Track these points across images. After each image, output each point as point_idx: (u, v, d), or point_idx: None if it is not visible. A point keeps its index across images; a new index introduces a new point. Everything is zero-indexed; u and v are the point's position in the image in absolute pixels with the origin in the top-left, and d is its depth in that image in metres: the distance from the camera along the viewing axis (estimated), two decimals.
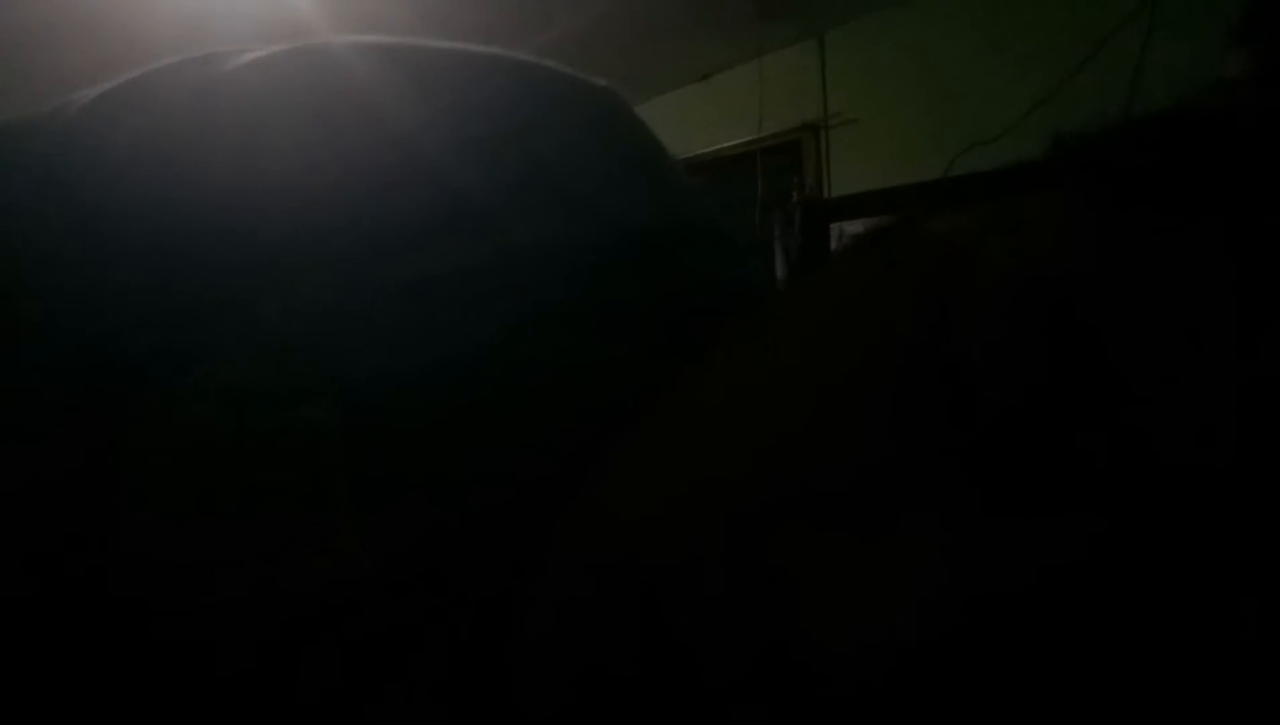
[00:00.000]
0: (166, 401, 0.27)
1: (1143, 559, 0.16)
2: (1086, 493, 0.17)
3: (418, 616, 0.25)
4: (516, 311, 0.28)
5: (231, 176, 0.29)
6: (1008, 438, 0.18)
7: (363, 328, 0.27)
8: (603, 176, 0.30)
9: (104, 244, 0.29)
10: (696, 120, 2.98)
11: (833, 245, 2.57)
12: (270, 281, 0.28)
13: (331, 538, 0.25)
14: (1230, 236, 0.18)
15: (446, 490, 0.26)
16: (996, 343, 0.18)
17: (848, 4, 2.46)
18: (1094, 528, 0.17)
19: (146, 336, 0.28)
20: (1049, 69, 2.04)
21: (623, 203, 0.30)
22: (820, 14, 2.54)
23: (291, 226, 0.28)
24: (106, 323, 0.28)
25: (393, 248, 0.27)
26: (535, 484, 0.26)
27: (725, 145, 2.96)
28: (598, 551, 0.22)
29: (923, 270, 0.21)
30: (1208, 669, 0.16)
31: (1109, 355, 0.17)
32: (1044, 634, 0.17)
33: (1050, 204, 0.21)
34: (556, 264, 0.28)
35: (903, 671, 0.16)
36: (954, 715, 0.17)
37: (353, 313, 0.27)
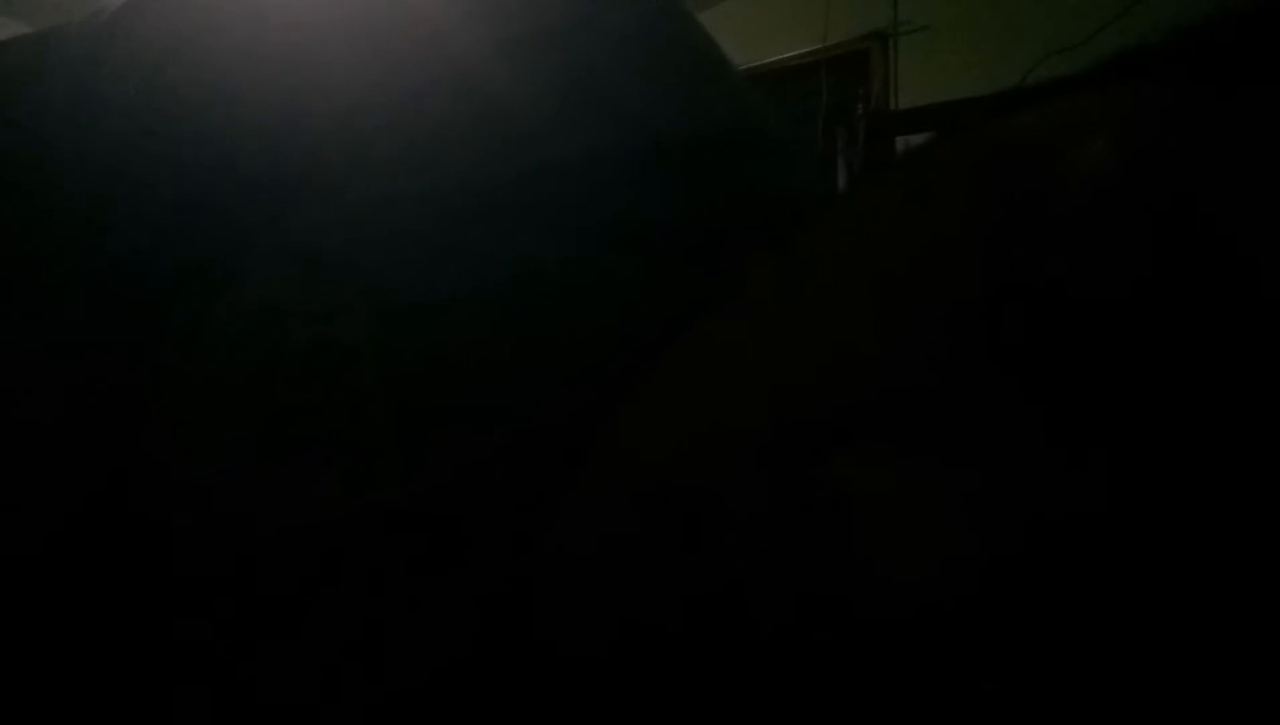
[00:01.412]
0: (200, 320, 0.26)
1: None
2: (1196, 426, 0.15)
3: (444, 550, 0.24)
4: (557, 227, 0.26)
5: (266, 82, 0.28)
6: (1104, 359, 0.16)
7: (399, 242, 0.26)
8: (652, 82, 0.28)
9: (138, 156, 0.28)
10: (757, 29, 2.86)
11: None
12: (306, 194, 0.27)
13: (364, 465, 0.24)
14: None
15: (483, 418, 0.25)
16: (1098, 251, 0.16)
17: None
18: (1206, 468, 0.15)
19: (182, 253, 0.28)
20: None
21: (673, 110, 0.28)
22: None
23: (328, 135, 0.27)
24: (141, 238, 0.28)
25: (429, 158, 0.26)
26: (577, 412, 0.25)
27: (787, 55, 2.85)
28: (634, 478, 0.20)
29: (1003, 170, 0.18)
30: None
31: (1249, 265, 0.15)
32: (1124, 569, 0.15)
33: (1148, 93, 0.19)
34: (602, 176, 0.27)
35: (965, 607, 0.15)
36: (1022, 652, 0.16)
37: (389, 226, 0.26)
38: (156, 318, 0.27)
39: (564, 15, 0.27)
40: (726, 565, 0.17)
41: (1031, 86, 0.24)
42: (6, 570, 0.26)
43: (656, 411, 0.22)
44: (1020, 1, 2.22)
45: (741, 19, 2.92)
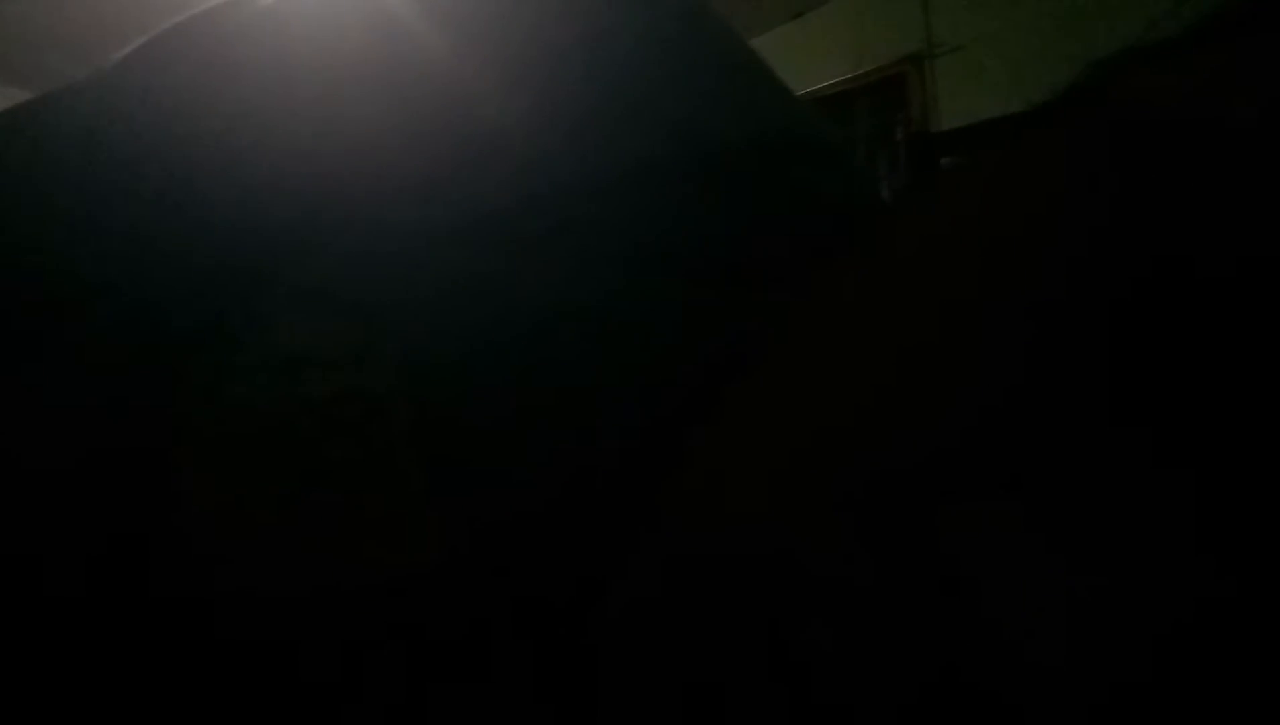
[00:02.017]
0: (217, 375, 0.24)
1: None
2: None
3: (488, 617, 0.21)
4: (597, 254, 0.24)
5: (277, 128, 0.26)
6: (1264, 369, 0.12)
7: (422, 283, 0.24)
8: (690, 87, 0.25)
9: (150, 211, 0.27)
10: (790, 61, 2.85)
11: None
12: (323, 238, 0.25)
13: (395, 524, 0.22)
14: None
15: (521, 469, 0.23)
16: (1240, 233, 0.13)
17: None
18: None
19: (200, 306, 0.26)
20: None
21: (708, 116, 0.25)
22: None
23: (342, 175, 0.25)
24: (153, 293, 0.26)
25: (448, 191, 0.24)
26: (622, 459, 0.22)
27: (822, 85, 2.84)
28: (696, 540, 0.17)
29: (1126, 144, 0.15)
30: None
31: None
32: None
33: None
34: (642, 193, 0.24)
35: (1121, 705, 0.12)
36: None
37: (410, 267, 0.24)
38: (175, 375, 0.25)
39: (585, 24, 0.25)
40: (814, 645, 0.14)
41: (1116, 58, 0.20)
42: (16, 636, 0.24)
43: (715, 462, 0.19)
44: (1055, 14, 2.17)
45: (773, 51, 2.92)
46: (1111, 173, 0.15)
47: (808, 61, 2.84)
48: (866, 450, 0.15)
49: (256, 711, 0.22)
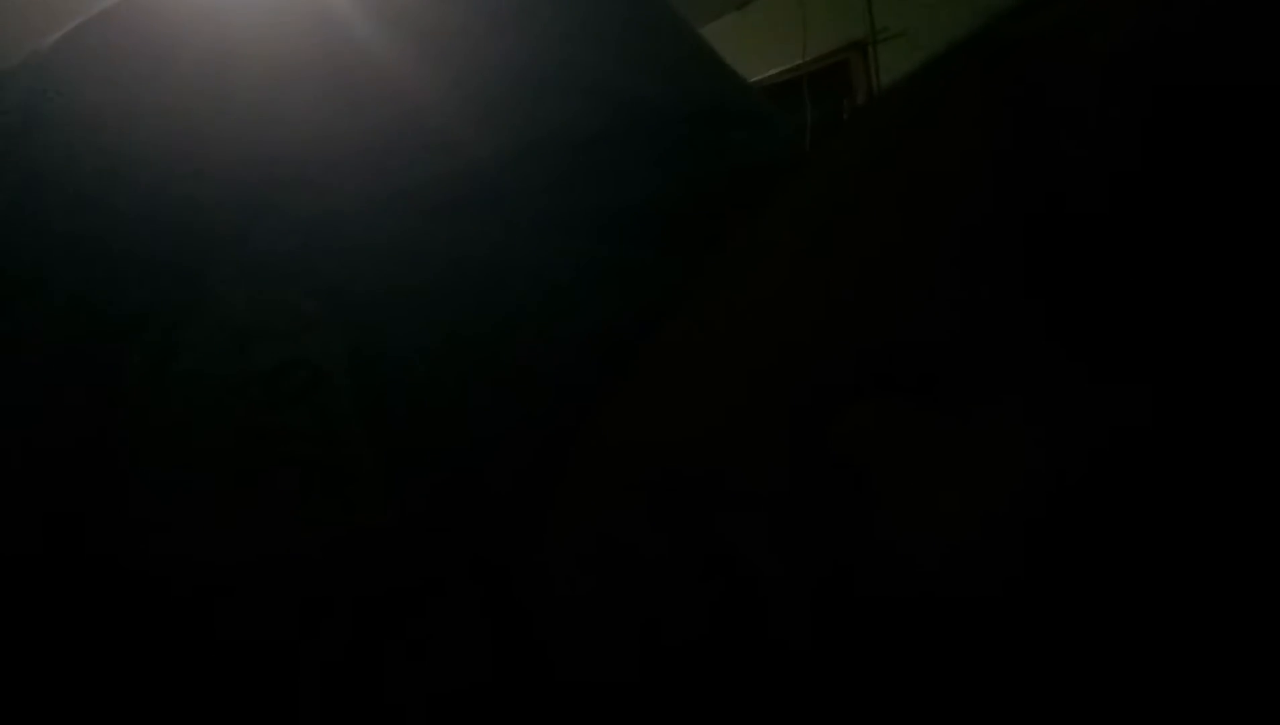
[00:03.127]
0: (163, 349, 0.25)
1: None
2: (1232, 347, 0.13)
3: (437, 574, 0.22)
4: (530, 219, 0.25)
5: (216, 102, 0.27)
6: (1128, 276, 0.14)
7: (361, 251, 0.24)
8: (609, 52, 0.26)
9: (86, 190, 0.27)
10: (735, 52, 2.87)
11: None
12: (266, 211, 0.25)
13: (342, 488, 0.22)
14: None
15: (468, 428, 0.23)
16: (1106, 151, 0.14)
17: None
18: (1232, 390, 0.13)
19: (145, 283, 0.26)
20: None
21: (634, 80, 0.26)
22: None
23: (281, 148, 0.26)
24: (92, 275, 0.26)
25: (384, 160, 0.25)
26: (568, 411, 0.23)
27: (768, 74, 2.86)
28: (631, 474, 0.18)
29: (1008, 75, 0.16)
30: None
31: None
32: (1169, 524, 0.13)
33: None
34: (575, 158, 0.25)
35: (1002, 575, 0.13)
36: (1064, 627, 0.14)
37: (349, 237, 0.24)
38: (121, 351, 0.26)
39: None
40: (741, 554, 0.15)
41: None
42: None
43: (651, 396, 0.20)
44: (995, 2, 2.22)
45: (718, 41, 2.93)
46: (997, 107, 0.16)
47: (752, 51, 2.86)
48: (778, 375, 0.17)
49: (214, 673, 0.23)
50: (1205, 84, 0.14)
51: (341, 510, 0.23)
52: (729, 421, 0.17)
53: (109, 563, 0.24)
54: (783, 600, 0.15)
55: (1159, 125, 0.14)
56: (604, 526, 0.18)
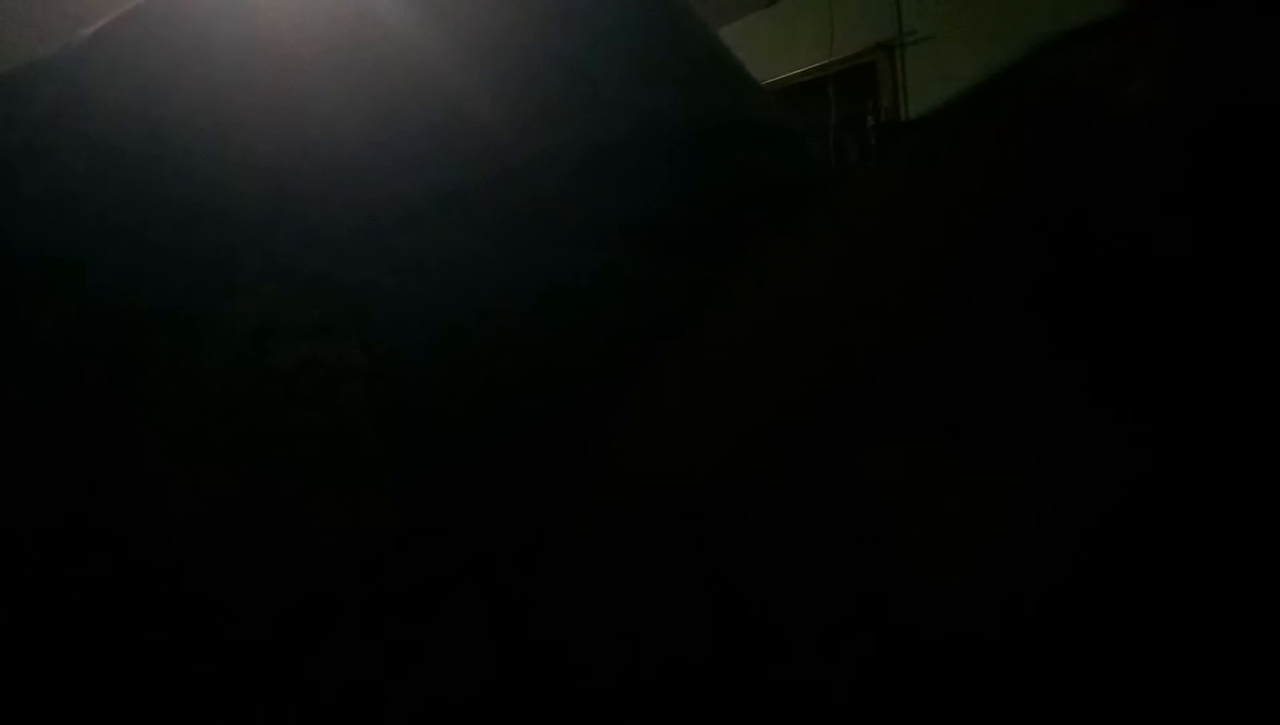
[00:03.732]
0: (183, 346, 0.25)
1: None
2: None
3: (445, 580, 0.23)
4: (550, 229, 0.25)
5: (243, 101, 0.27)
6: (1171, 321, 0.14)
7: (382, 256, 0.24)
8: (645, 70, 0.26)
9: (116, 185, 0.28)
10: (763, 48, 2.86)
11: None
12: (290, 213, 0.26)
13: (355, 489, 0.23)
14: None
15: (481, 435, 0.24)
16: (1154, 192, 0.14)
17: None
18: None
19: (163, 283, 0.27)
20: None
21: (669, 98, 0.26)
22: None
23: (307, 151, 0.26)
24: (117, 271, 0.27)
25: (407, 167, 0.25)
26: (584, 423, 0.23)
27: (794, 72, 2.85)
28: (643, 488, 0.19)
29: (1032, 117, 0.16)
30: None
31: None
32: (1195, 564, 0.13)
33: (1201, 20, 0.16)
34: (595, 172, 0.25)
35: (1019, 616, 0.13)
36: (1089, 664, 0.14)
37: (371, 241, 0.24)
38: (143, 343, 0.26)
39: (548, 8, 0.26)
40: (749, 578, 0.16)
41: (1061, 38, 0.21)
42: None
43: (665, 414, 0.21)
44: (1022, 2, 2.20)
45: (746, 39, 2.92)
46: (1029, 144, 0.16)
47: (779, 50, 2.84)
48: (799, 402, 0.17)
49: (220, 670, 0.23)
50: (1245, 135, 0.14)
51: (351, 512, 0.23)
52: (745, 447, 0.17)
53: (119, 554, 0.24)
54: (793, 630, 0.15)
55: (1198, 172, 0.14)
56: (614, 543, 0.18)
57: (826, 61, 2.77)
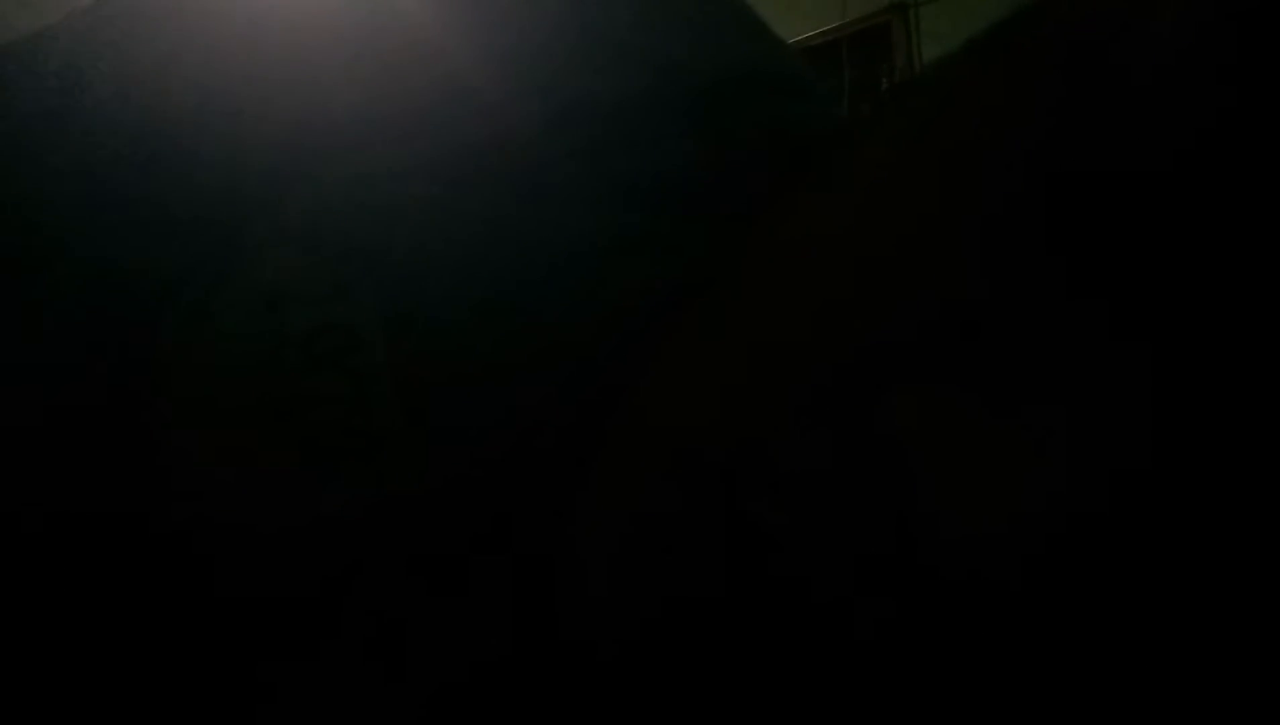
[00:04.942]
0: (200, 313, 0.25)
1: None
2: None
3: (468, 543, 0.22)
4: (570, 187, 0.25)
5: (246, 62, 0.27)
6: (1197, 251, 0.13)
7: (399, 216, 0.24)
8: (667, 21, 0.26)
9: (125, 154, 0.27)
10: (773, 11, 2.81)
11: None
12: (303, 176, 0.26)
13: (375, 452, 0.23)
14: None
15: (503, 398, 0.23)
16: (1171, 124, 0.13)
17: None
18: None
19: (181, 248, 0.27)
20: None
21: (682, 51, 0.25)
22: None
23: (316, 112, 0.26)
24: (135, 235, 0.26)
25: (424, 125, 0.24)
26: (608, 385, 0.23)
27: (806, 35, 2.80)
28: (663, 450, 0.18)
29: (1049, 48, 0.16)
30: None
31: None
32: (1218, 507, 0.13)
33: None
34: (618, 126, 0.25)
35: (1046, 565, 0.13)
36: (1108, 614, 0.13)
37: (381, 196, 0.24)
38: (155, 313, 0.26)
39: None
40: (771, 530, 0.15)
41: None
42: (10, 581, 0.24)
43: (686, 373, 0.20)
44: None
45: (757, 4, 2.87)
46: (1047, 77, 0.15)
47: (792, 11, 2.80)
48: (818, 353, 0.16)
49: (255, 636, 0.23)
50: (1267, 62, 0.13)
51: (372, 476, 0.23)
52: (766, 401, 0.17)
53: (140, 523, 0.24)
54: (815, 580, 0.15)
55: (1221, 101, 0.13)
56: (636, 502, 0.18)
57: (840, 23, 2.72)
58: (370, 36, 0.26)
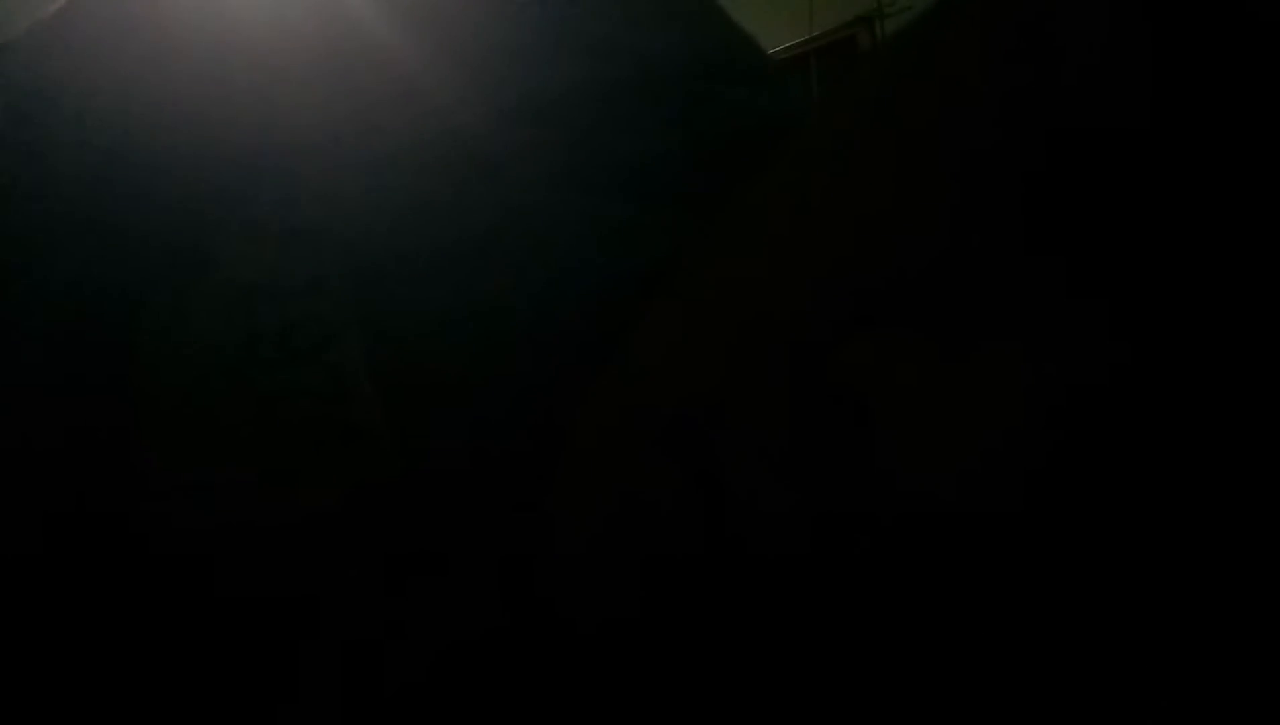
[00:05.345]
0: (173, 309, 0.25)
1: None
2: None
3: (449, 530, 0.22)
4: (537, 173, 0.25)
5: (210, 68, 0.27)
6: (1147, 203, 0.13)
7: (363, 208, 0.24)
8: (623, 10, 0.26)
9: (94, 160, 0.27)
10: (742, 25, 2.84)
11: None
12: (272, 172, 0.26)
13: (354, 446, 0.23)
14: None
15: (478, 384, 0.23)
16: (1127, 76, 0.14)
17: None
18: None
19: (154, 247, 0.26)
20: None
21: (646, 38, 0.26)
22: None
23: (284, 108, 0.26)
24: (103, 244, 0.26)
25: (386, 115, 0.24)
26: (567, 369, 0.23)
27: (774, 49, 2.83)
28: (636, 423, 0.18)
29: (998, 16, 0.16)
30: None
31: None
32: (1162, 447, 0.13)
33: None
34: (583, 114, 0.25)
35: (1000, 509, 0.13)
36: (1067, 557, 0.14)
37: (351, 193, 0.24)
38: (129, 318, 0.26)
39: None
40: (738, 479, 0.16)
41: None
42: None
43: (658, 351, 0.20)
44: None
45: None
46: (1002, 38, 0.16)
47: (757, 26, 2.83)
48: (787, 315, 0.17)
49: (237, 634, 0.23)
50: (1209, 17, 0.13)
51: (353, 468, 0.23)
52: (729, 362, 0.17)
53: (121, 526, 0.24)
54: (781, 525, 0.15)
55: (1168, 56, 0.13)
56: (609, 474, 0.18)
57: (807, 37, 2.75)
58: (336, 36, 0.26)
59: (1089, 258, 0.14)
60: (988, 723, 0.14)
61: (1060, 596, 0.14)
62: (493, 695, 0.21)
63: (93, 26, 0.29)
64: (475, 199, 0.24)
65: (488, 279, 0.24)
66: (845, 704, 0.15)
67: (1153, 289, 0.14)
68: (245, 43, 0.26)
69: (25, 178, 0.28)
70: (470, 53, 0.25)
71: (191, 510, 0.24)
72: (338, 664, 0.22)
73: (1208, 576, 0.13)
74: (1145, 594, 0.13)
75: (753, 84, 0.28)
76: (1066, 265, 0.14)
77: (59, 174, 0.28)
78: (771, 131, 0.27)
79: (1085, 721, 0.14)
